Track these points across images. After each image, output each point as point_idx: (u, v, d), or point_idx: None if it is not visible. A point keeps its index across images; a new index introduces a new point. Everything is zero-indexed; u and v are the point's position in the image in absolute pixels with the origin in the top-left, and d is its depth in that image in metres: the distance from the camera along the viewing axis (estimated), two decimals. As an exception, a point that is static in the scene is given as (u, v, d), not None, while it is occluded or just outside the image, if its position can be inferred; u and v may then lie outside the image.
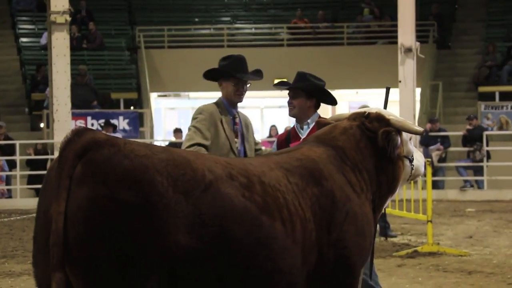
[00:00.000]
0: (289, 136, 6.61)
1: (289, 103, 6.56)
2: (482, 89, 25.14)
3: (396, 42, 19.11)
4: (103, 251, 3.95)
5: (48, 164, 19.11)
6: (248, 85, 6.45)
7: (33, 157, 20.38)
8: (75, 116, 21.00)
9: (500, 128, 23.47)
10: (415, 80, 18.60)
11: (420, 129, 5.21)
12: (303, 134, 6.50)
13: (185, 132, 7.57)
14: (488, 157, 20.84)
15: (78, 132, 4.12)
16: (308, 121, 6.53)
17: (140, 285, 4.00)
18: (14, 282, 9.64)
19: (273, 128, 24.04)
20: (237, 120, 6.43)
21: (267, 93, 26.22)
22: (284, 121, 25.98)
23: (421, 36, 23.59)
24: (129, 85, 25.86)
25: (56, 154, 5.66)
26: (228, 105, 6.41)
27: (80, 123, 21.83)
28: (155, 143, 21.24)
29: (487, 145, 20.84)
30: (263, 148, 6.74)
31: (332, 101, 6.61)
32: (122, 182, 4.01)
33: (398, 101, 18.48)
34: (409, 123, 5.17)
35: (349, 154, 4.92)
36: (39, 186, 6.90)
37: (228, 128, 6.33)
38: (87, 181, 4.01)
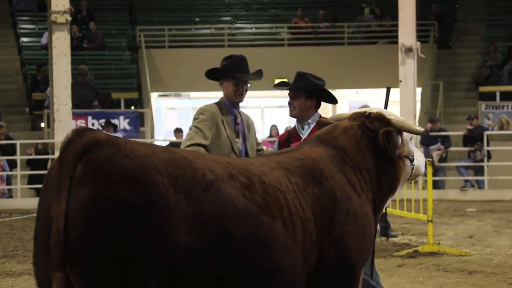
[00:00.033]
0: (290, 136, 6.60)
1: (290, 103, 6.56)
2: (482, 89, 25.14)
3: (396, 42, 19.09)
4: (103, 251, 3.96)
5: (49, 164, 19.10)
6: (248, 85, 6.44)
7: (33, 157, 20.38)
8: (75, 116, 21.01)
9: (501, 128, 23.46)
10: (415, 80, 18.59)
11: (420, 129, 5.21)
12: (304, 134, 6.50)
13: (185, 132, 7.57)
14: (489, 157, 20.83)
15: (79, 132, 4.12)
16: (309, 121, 6.53)
17: (141, 285, 4.00)
18: (14, 282, 9.64)
19: (273, 128, 24.04)
20: (238, 120, 6.42)
21: (268, 93, 26.23)
22: (285, 121, 25.98)
23: (421, 36, 23.59)
24: (129, 85, 25.86)
25: (57, 154, 5.66)
26: (229, 105, 6.40)
27: (81, 123, 21.82)
28: (156, 143, 21.23)
29: (488, 145, 20.83)
30: (265, 148, 6.73)
31: (333, 100, 6.61)
32: (123, 182, 4.01)
33: (399, 101, 18.47)
34: (410, 123, 5.17)
35: (349, 154, 4.92)
36: (40, 186, 6.89)
37: (229, 128, 6.32)
38: (87, 181, 4.01)
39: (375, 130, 5.04)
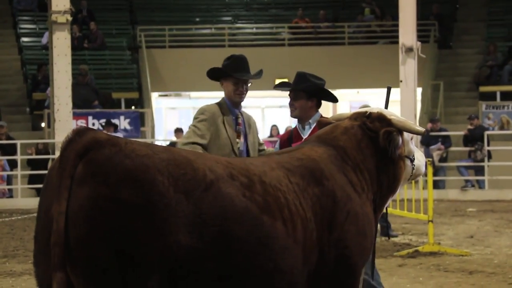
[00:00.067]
0: (291, 136, 6.60)
1: (291, 104, 6.55)
2: (483, 89, 25.13)
3: (397, 42, 19.09)
4: (104, 250, 3.95)
5: (49, 164, 19.10)
6: (249, 85, 6.44)
7: (34, 156, 20.38)
8: (76, 116, 21.01)
9: (501, 128, 23.46)
10: (416, 80, 18.58)
11: (421, 129, 5.21)
12: (305, 134, 6.50)
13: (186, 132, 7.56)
14: (489, 157, 20.83)
15: (79, 132, 4.12)
16: (310, 121, 6.52)
17: (141, 284, 4.00)
18: (15, 281, 9.64)
19: (274, 128, 24.04)
20: (239, 120, 6.41)
21: (268, 92, 26.17)
22: (285, 121, 25.99)
23: (422, 36, 23.58)
24: (130, 85, 25.86)
25: (57, 154, 5.66)
26: (230, 105, 6.39)
27: (81, 122, 21.81)
28: (156, 142, 21.22)
29: (488, 145, 20.83)
30: (266, 148, 6.72)
31: (333, 99, 6.61)
32: (123, 181, 4.01)
33: (399, 101, 18.47)
34: (410, 123, 5.17)
35: (350, 154, 4.92)
36: (40, 185, 6.89)
37: (229, 128, 6.32)
38: (88, 180, 4.01)
39: (375, 130, 5.04)
